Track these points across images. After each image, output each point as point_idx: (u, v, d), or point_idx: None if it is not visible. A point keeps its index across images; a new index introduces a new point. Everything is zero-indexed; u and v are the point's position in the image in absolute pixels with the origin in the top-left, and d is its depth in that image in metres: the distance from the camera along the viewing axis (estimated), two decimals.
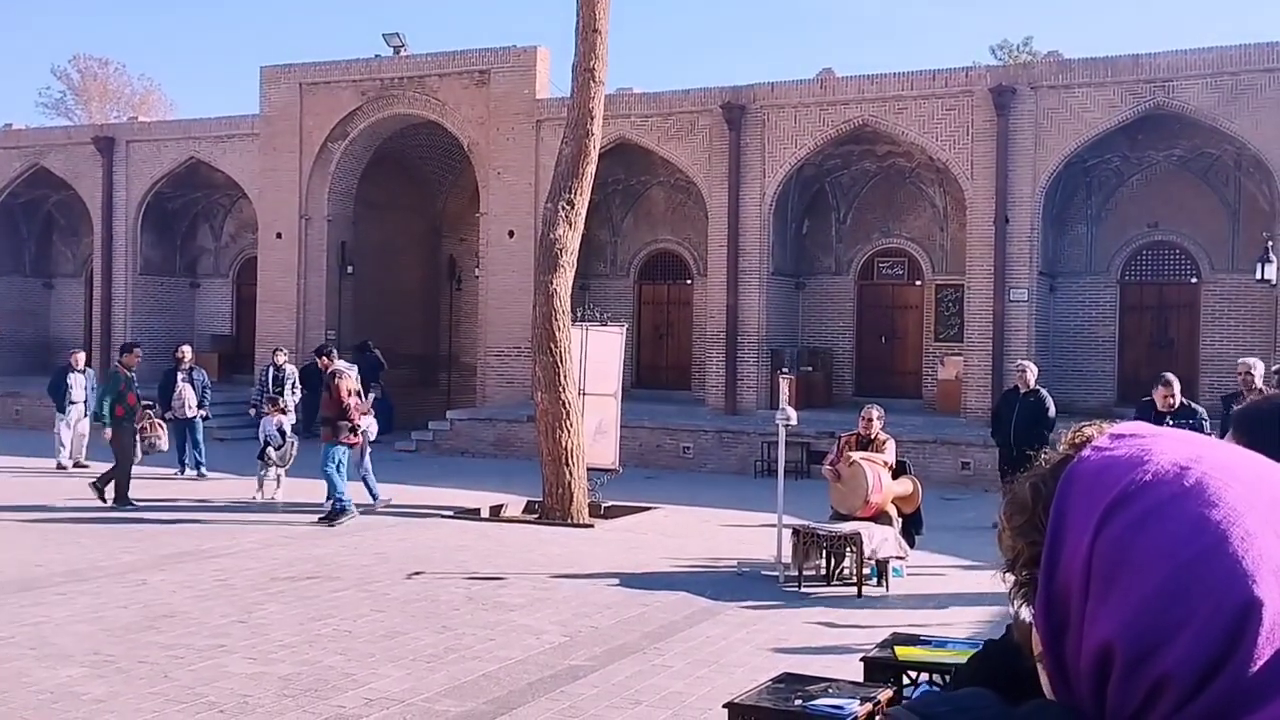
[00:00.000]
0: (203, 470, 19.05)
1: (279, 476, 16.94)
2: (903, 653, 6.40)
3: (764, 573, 11.91)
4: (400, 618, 9.67)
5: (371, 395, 16.69)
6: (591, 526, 14.75)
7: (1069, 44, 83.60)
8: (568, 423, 15.03)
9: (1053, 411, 14.33)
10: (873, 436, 11.94)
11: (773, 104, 22.99)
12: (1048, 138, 21.14)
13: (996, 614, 9.63)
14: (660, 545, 13.55)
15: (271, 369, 19.50)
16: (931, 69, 22.15)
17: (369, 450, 16.14)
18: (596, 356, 15.97)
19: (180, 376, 19.09)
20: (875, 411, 12.15)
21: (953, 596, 11.00)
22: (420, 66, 26.01)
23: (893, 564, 11.38)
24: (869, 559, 11.07)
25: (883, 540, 11.17)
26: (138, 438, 16.54)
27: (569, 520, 14.78)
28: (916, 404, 23.69)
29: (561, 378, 15.08)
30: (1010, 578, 1.01)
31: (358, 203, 27.62)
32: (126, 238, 29.35)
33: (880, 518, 11.42)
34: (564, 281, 15.27)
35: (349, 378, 15.12)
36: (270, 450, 16.88)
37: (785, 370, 19.73)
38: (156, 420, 17.68)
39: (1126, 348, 23.11)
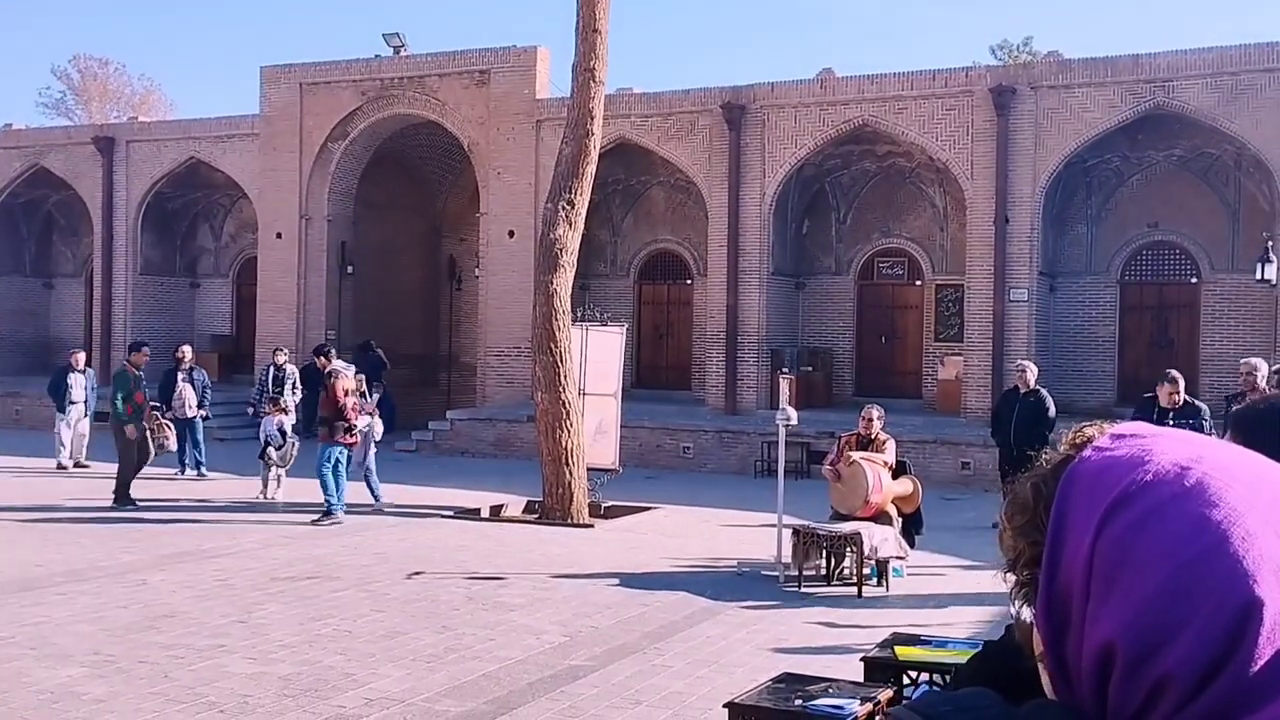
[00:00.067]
0: (203, 470, 19.07)
1: (279, 476, 16.95)
2: (903, 653, 6.40)
3: (764, 573, 11.91)
4: (400, 618, 9.67)
5: (376, 395, 16.68)
6: (591, 526, 14.75)
7: (1069, 44, 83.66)
8: (568, 423, 15.03)
9: (1053, 411, 14.33)
10: (873, 436, 11.94)
11: (773, 104, 23.00)
12: (1048, 138, 21.14)
13: (997, 614, 9.63)
14: (660, 545, 13.55)
15: (271, 369, 19.50)
16: (931, 69, 22.16)
17: (374, 450, 16.16)
18: (596, 356, 15.97)
19: (180, 376, 19.10)
20: (875, 411, 12.15)
21: (953, 596, 11.00)
22: (420, 66, 26.01)
23: (893, 564, 11.38)
24: (869, 559, 11.07)
25: (883, 540, 11.17)
26: (150, 438, 16.59)
27: (569, 520, 14.78)
28: (916, 404, 23.69)
29: (561, 378, 15.08)
30: (1011, 577, 1.01)
31: (358, 203, 27.62)
32: (126, 238, 29.35)
33: (880, 518, 11.42)
34: (564, 281, 15.27)
35: (345, 377, 15.12)
36: (271, 450, 16.89)
37: (785, 370, 19.74)
38: (164, 420, 17.74)
39: (1126, 348, 23.11)
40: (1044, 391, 14.58)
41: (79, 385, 20.31)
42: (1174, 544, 0.89)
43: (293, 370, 19.50)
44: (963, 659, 5.21)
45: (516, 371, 24.11)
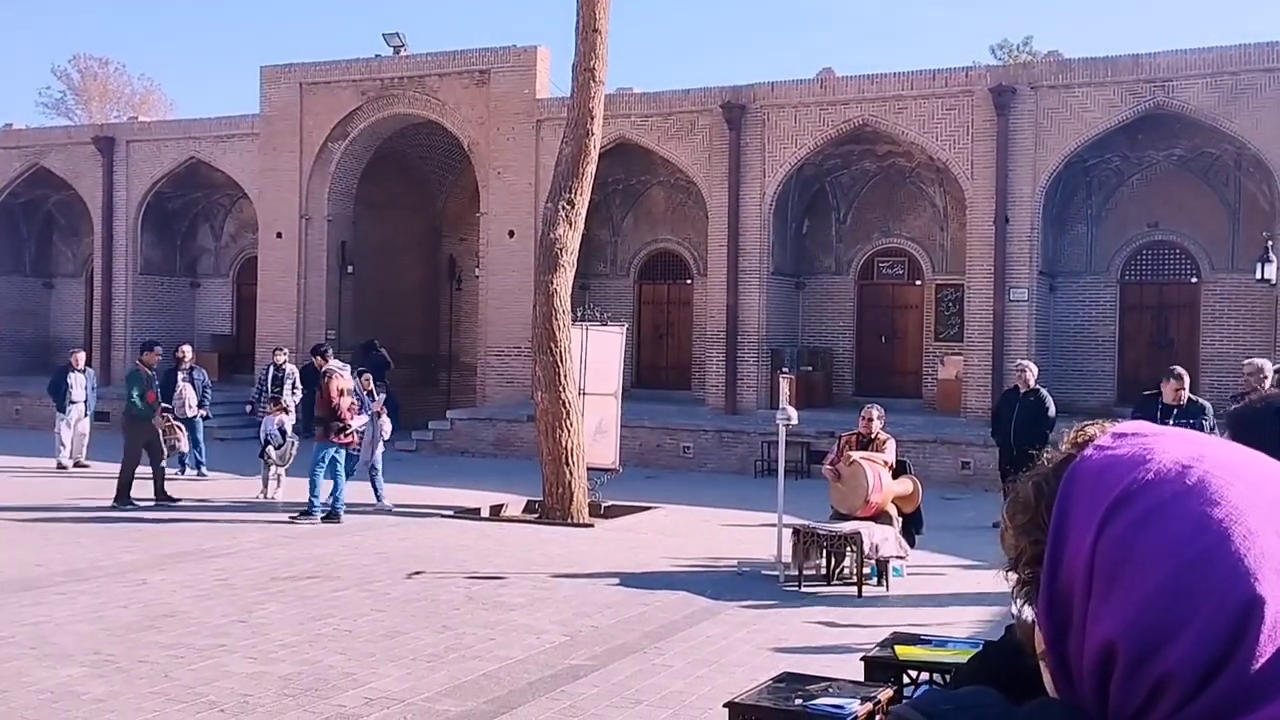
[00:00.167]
0: (203, 470, 19.08)
1: (279, 476, 16.96)
2: (903, 652, 6.41)
3: (764, 572, 11.91)
4: (400, 617, 9.67)
5: (382, 395, 16.68)
6: (591, 526, 14.75)
7: (1069, 44, 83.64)
8: (568, 422, 15.03)
9: (1053, 411, 14.32)
10: (873, 436, 11.94)
11: (773, 104, 23.00)
12: (1048, 137, 21.14)
13: (997, 614, 9.63)
14: (660, 545, 13.55)
15: (271, 369, 19.51)
16: (931, 69, 22.15)
17: (381, 449, 16.17)
18: (596, 356, 15.97)
19: (181, 376, 19.10)
20: (875, 411, 12.15)
21: (953, 596, 11.00)
22: (420, 66, 26.01)
23: (893, 563, 11.38)
24: (869, 558, 11.07)
25: (883, 540, 11.17)
26: (163, 440, 16.67)
27: (569, 520, 14.78)
28: (916, 404, 23.69)
29: (561, 377, 15.08)
30: (1013, 576, 1.01)
31: (358, 203, 27.62)
32: (126, 238, 29.35)
33: (880, 517, 11.42)
34: (564, 281, 15.27)
35: (340, 377, 15.12)
36: (270, 450, 16.91)
37: (785, 370, 19.73)
38: (176, 422, 17.82)
39: (1126, 347, 23.11)
40: (1044, 391, 14.57)
41: (79, 385, 20.31)
42: (1175, 543, 0.89)
43: (292, 370, 19.50)
44: (963, 659, 5.21)
45: (516, 371, 24.11)
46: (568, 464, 14.96)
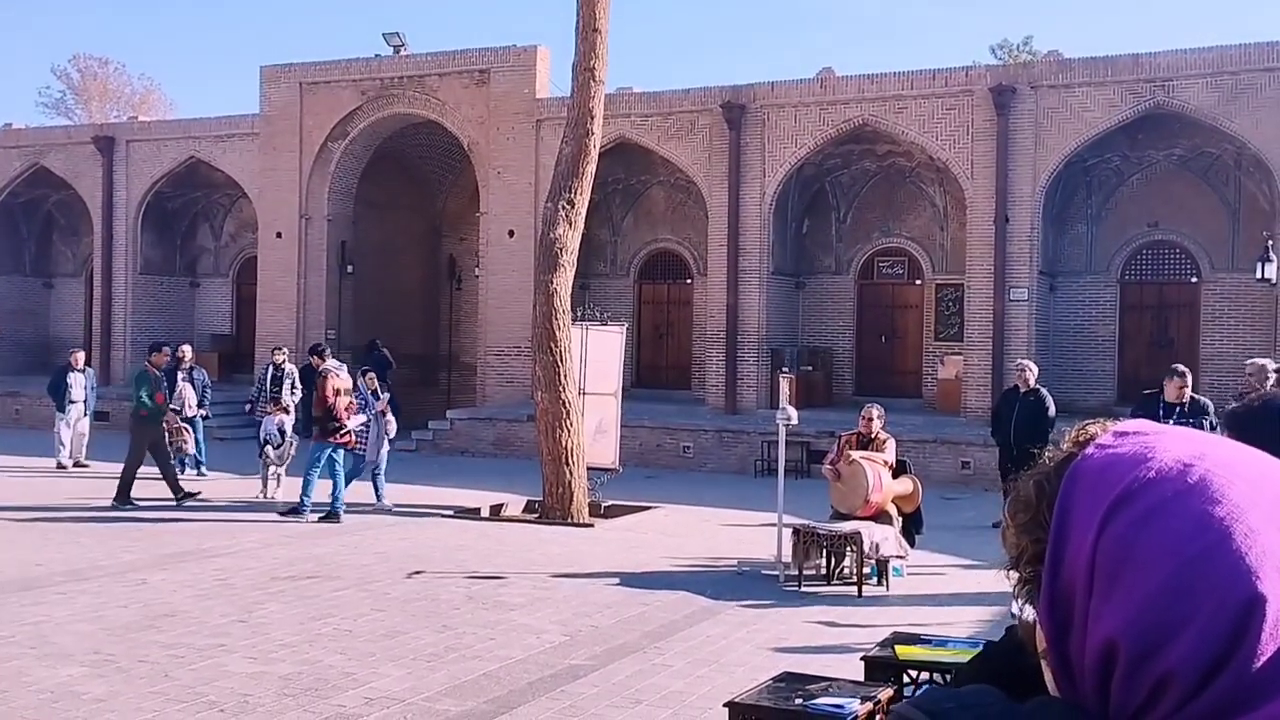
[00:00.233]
0: (203, 469, 19.08)
1: (279, 476, 16.96)
2: (903, 652, 6.41)
3: (764, 572, 11.91)
4: (400, 617, 9.67)
5: (386, 395, 16.69)
6: (591, 526, 14.75)
7: (1069, 44, 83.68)
8: (568, 422, 15.03)
9: (1053, 411, 14.33)
10: (873, 436, 11.94)
11: (773, 103, 23.00)
12: (1048, 137, 21.14)
13: (997, 614, 9.63)
14: (660, 545, 13.55)
15: (271, 368, 19.51)
16: (931, 69, 22.15)
17: (387, 447, 16.17)
18: (596, 356, 15.97)
19: (181, 376, 19.11)
20: (875, 411, 12.15)
21: (953, 596, 11.00)
22: (420, 66, 26.01)
23: (893, 563, 11.38)
24: (869, 558, 11.07)
25: (883, 539, 11.17)
26: (169, 442, 16.70)
27: (569, 520, 14.78)
28: (916, 403, 23.69)
29: (561, 377, 15.08)
30: (1014, 575, 1.01)
31: (358, 202, 27.62)
32: (126, 237, 29.35)
33: (880, 517, 11.42)
34: (564, 281, 15.27)
35: (336, 376, 15.13)
36: (269, 449, 16.91)
37: (785, 370, 19.73)
38: (183, 425, 17.86)
39: (1126, 347, 23.11)
40: (1044, 391, 14.57)
41: (79, 385, 20.31)
42: (1176, 541, 0.89)
43: (291, 370, 19.50)
44: (963, 659, 5.21)
45: (516, 371, 24.11)
46: (568, 464, 14.96)
